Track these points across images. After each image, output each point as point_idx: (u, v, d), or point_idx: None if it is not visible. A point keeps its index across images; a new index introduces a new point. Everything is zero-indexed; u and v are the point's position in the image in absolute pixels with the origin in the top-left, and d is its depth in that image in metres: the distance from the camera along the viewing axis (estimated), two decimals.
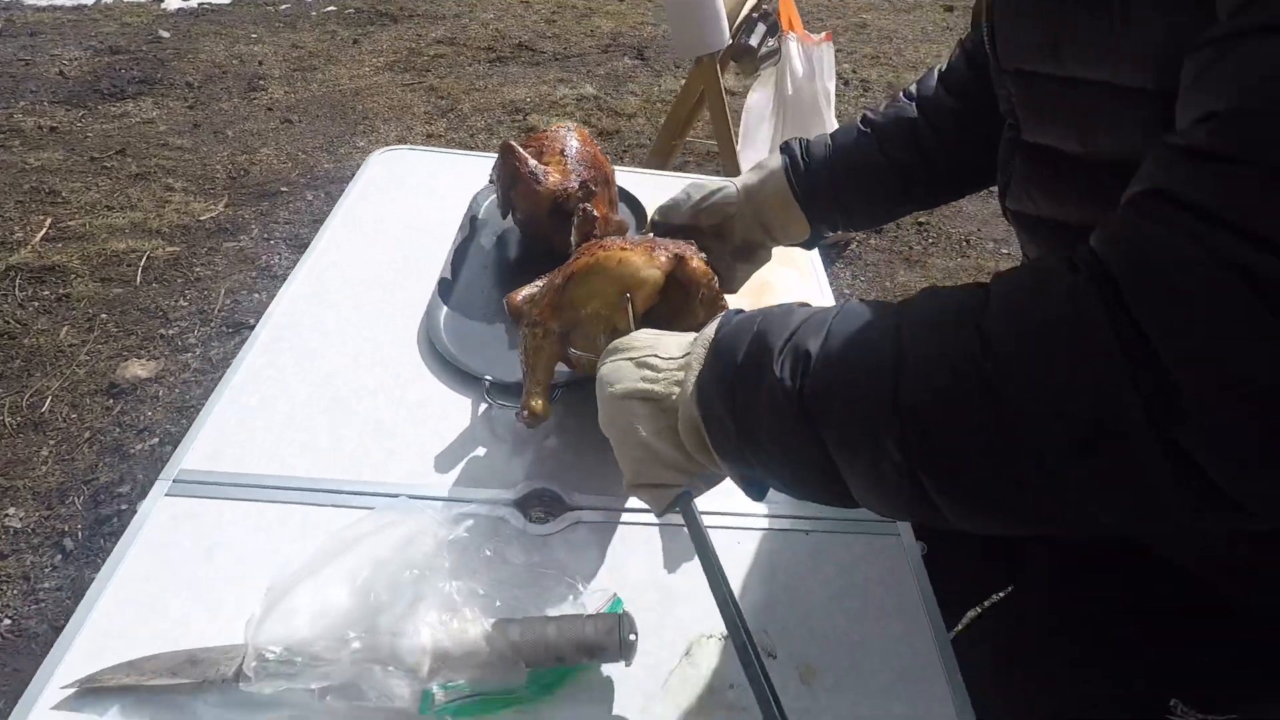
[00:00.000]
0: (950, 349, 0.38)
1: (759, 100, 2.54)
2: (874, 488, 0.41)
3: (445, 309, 0.89)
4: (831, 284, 1.08)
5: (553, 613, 0.58)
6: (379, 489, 0.69)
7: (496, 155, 0.94)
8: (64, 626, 0.58)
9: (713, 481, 0.54)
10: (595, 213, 0.81)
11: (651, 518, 0.69)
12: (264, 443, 0.73)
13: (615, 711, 0.56)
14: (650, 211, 0.85)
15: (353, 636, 0.52)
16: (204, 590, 0.60)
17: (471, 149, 3.45)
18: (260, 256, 2.46)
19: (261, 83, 3.73)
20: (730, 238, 0.82)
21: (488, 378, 0.78)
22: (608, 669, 0.58)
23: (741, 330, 0.48)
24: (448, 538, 0.58)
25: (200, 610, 0.59)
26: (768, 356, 0.44)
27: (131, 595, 0.60)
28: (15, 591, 1.43)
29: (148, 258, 2.38)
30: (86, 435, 1.77)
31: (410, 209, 1.08)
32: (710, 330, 0.50)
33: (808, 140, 0.82)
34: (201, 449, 0.71)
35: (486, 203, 1.08)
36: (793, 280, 1.03)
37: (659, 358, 0.52)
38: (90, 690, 0.53)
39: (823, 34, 2.42)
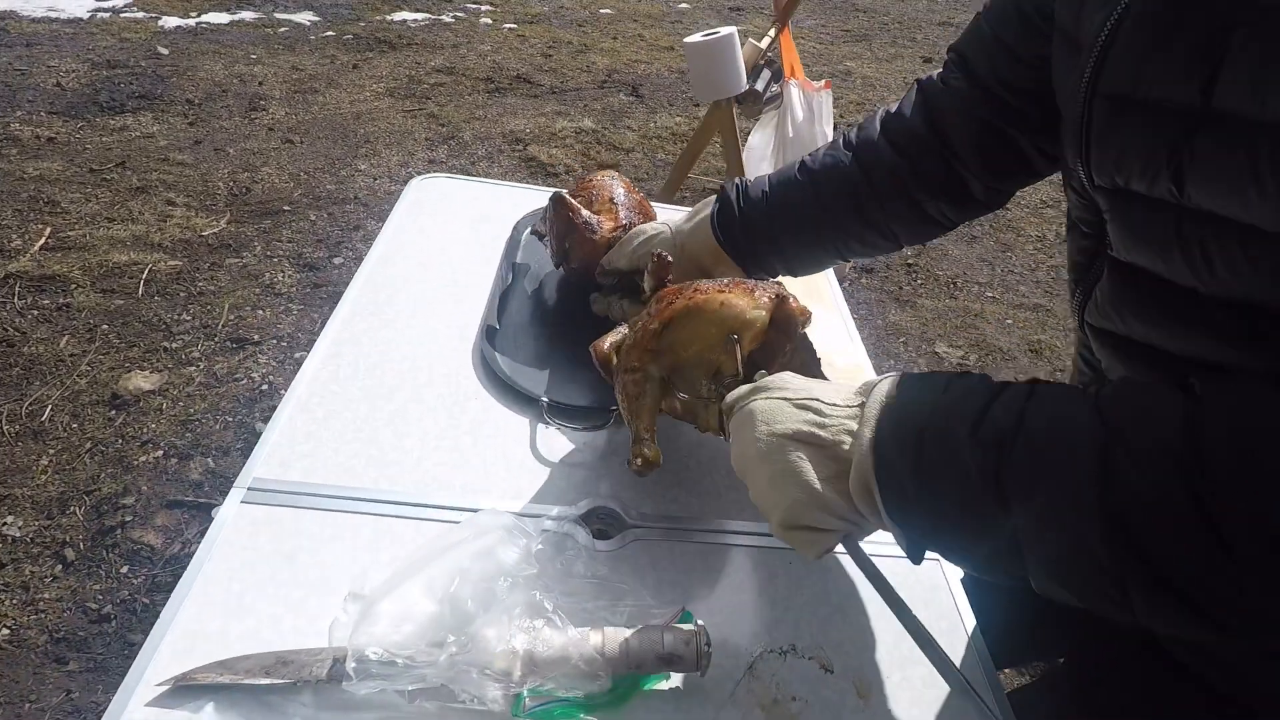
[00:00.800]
0: (1161, 463, 0.39)
1: (760, 141, 2.63)
2: (1065, 577, 0.43)
3: (499, 328, 0.92)
4: None
5: (625, 624, 0.61)
6: (446, 503, 0.72)
7: (547, 204, 0.96)
8: (64, 637, 0.59)
9: (869, 531, 0.54)
10: (669, 258, 0.85)
11: (711, 538, 0.73)
12: (331, 454, 0.75)
13: (691, 716, 0.59)
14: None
15: (450, 640, 0.54)
16: (286, 594, 0.62)
17: (473, 175, 3.51)
18: (264, 274, 2.46)
19: (262, 103, 3.76)
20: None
21: (545, 398, 0.82)
22: (677, 679, 0.61)
23: (925, 394, 0.49)
24: (534, 548, 0.61)
25: (284, 613, 0.61)
26: (961, 427, 0.45)
27: (215, 597, 0.61)
28: (14, 601, 1.40)
29: (150, 270, 2.37)
30: (88, 446, 1.75)
31: (452, 234, 1.12)
32: (885, 386, 0.51)
33: (746, 183, 0.82)
34: (273, 458, 0.73)
35: (524, 243, 1.11)
36: (816, 311, 1.08)
37: (824, 403, 0.53)
38: (184, 687, 0.55)
39: (822, 81, 2.52)
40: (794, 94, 2.47)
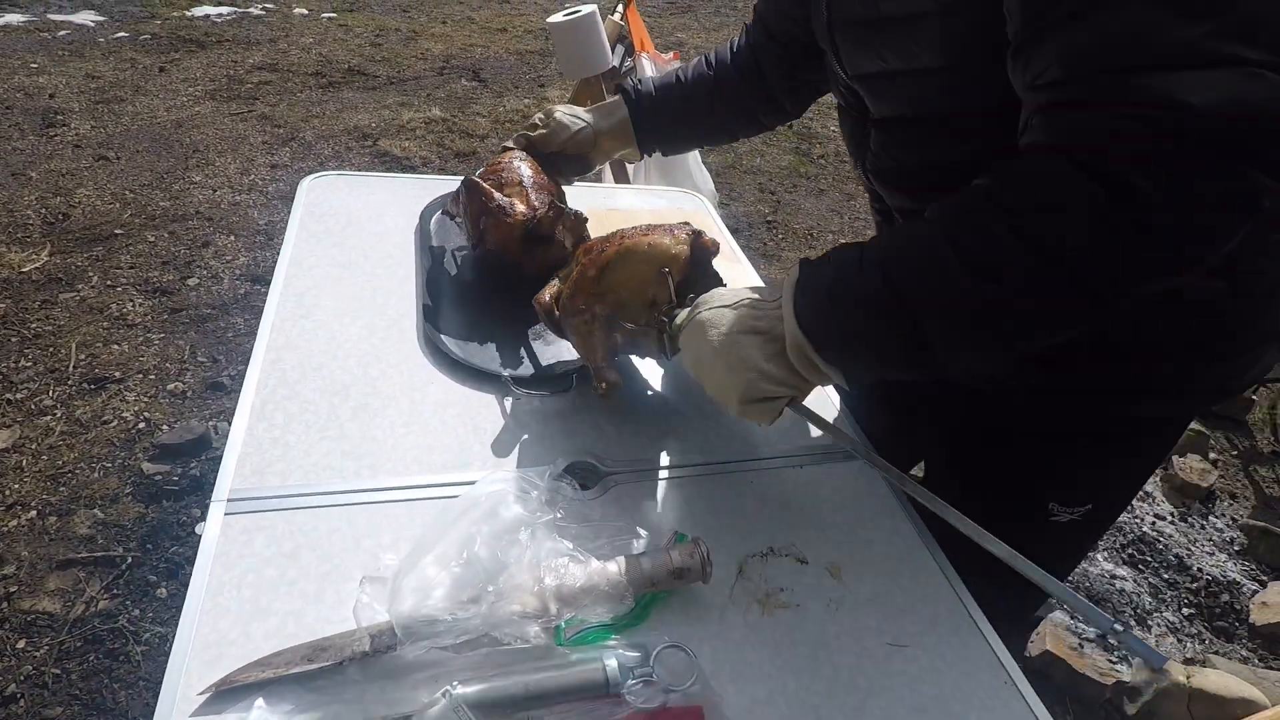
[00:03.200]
0: (979, 214, 0.56)
1: None
2: (958, 342, 0.57)
3: (438, 313, 0.94)
4: None
5: (632, 553, 0.68)
6: (432, 481, 0.75)
7: (459, 188, 0.99)
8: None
9: (809, 390, 0.68)
10: (585, 215, 0.91)
11: (678, 473, 0.80)
12: (303, 456, 0.75)
13: (699, 621, 0.67)
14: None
15: (489, 591, 0.59)
16: (301, 589, 0.63)
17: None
18: (108, 305, 2.25)
19: (59, 117, 3.36)
20: (578, 160, 1.07)
21: (507, 371, 0.86)
22: (682, 593, 0.68)
23: (818, 268, 0.64)
24: (542, 498, 0.66)
25: (303, 607, 0.62)
26: (850, 271, 0.61)
27: (229, 605, 0.61)
28: None
29: None
30: None
31: (358, 229, 1.11)
32: (792, 275, 0.65)
33: (640, 87, 1.05)
34: (244, 469, 0.73)
35: (435, 228, 1.13)
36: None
37: (755, 299, 0.67)
38: (226, 690, 0.55)
39: (670, 53, 2.63)
40: (646, 67, 2.55)
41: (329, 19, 5.30)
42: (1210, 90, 0.46)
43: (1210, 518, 2.11)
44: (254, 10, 5.29)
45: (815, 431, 0.88)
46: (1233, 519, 2.12)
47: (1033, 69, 0.55)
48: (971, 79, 0.68)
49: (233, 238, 2.66)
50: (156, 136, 3.31)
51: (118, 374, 1.99)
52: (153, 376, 2.01)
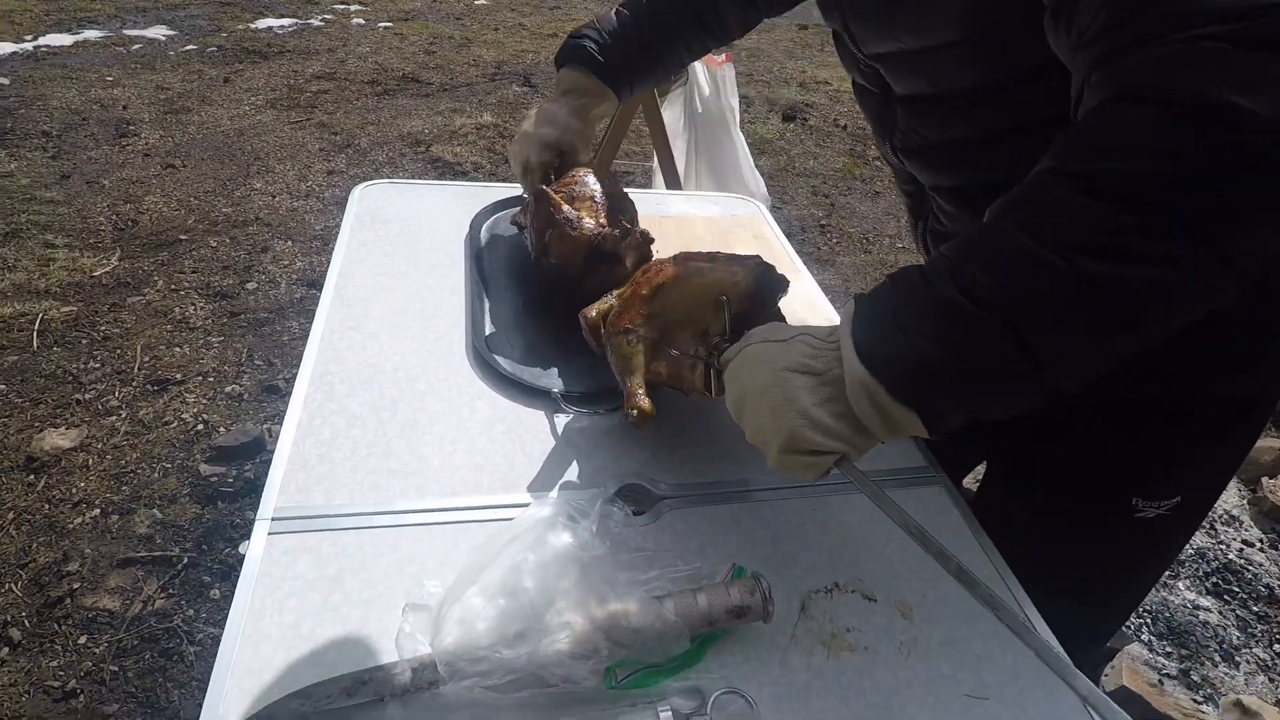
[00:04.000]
0: (1055, 198, 0.47)
1: (670, 118, 2.66)
2: (1062, 341, 0.47)
3: (489, 326, 0.92)
4: None
5: (686, 589, 0.64)
6: (479, 503, 0.72)
7: (530, 198, 0.97)
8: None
9: (865, 450, 0.57)
10: (651, 236, 0.87)
11: (735, 498, 0.76)
12: (349, 473, 0.73)
13: (759, 664, 0.62)
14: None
15: (534, 629, 0.55)
16: (343, 615, 0.61)
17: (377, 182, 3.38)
18: (172, 309, 2.31)
19: (131, 127, 3.49)
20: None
21: (555, 389, 0.83)
22: (741, 632, 0.64)
23: (878, 295, 0.54)
24: (593, 528, 0.62)
25: (345, 635, 0.60)
26: (917, 291, 0.51)
27: (269, 631, 0.60)
28: None
29: (41, 320, 2.18)
30: (10, 516, 1.61)
31: (409, 238, 1.10)
32: (849, 308, 0.56)
33: (599, 30, 0.98)
34: (289, 487, 0.71)
35: (486, 236, 1.10)
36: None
37: (812, 336, 0.58)
38: None
39: (723, 55, 2.58)
40: (699, 70, 2.51)
41: (385, 28, 5.41)
42: None
43: None
44: (314, 22, 5.43)
45: (885, 453, 0.82)
46: None
47: (1078, 23, 0.48)
48: (996, 49, 0.63)
49: (290, 243, 2.72)
50: (220, 145, 3.41)
51: (179, 376, 2.04)
52: (211, 379, 2.06)
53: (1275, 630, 1.73)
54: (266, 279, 2.51)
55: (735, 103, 2.63)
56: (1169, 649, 1.63)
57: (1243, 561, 1.87)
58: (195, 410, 1.94)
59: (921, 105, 0.75)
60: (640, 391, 0.71)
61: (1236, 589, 1.80)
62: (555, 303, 0.96)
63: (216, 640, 1.44)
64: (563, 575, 0.59)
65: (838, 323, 0.58)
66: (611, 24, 0.99)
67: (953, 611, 0.69)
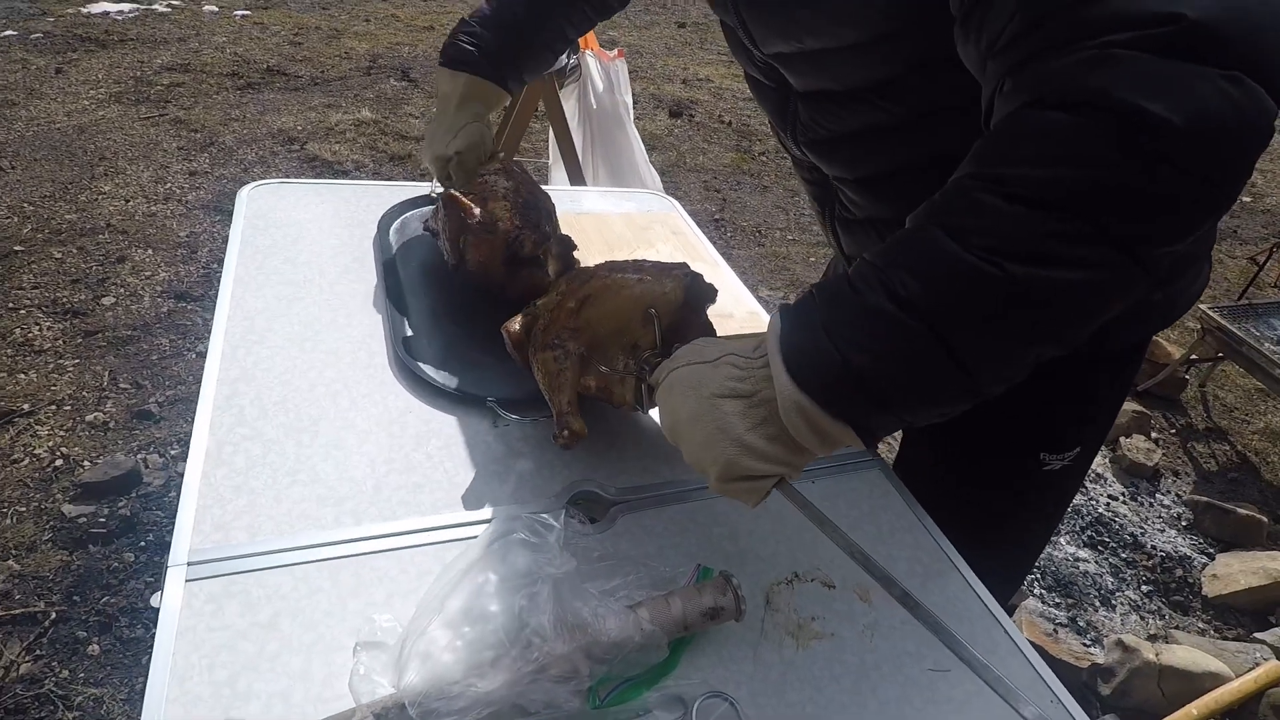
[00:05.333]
0: (969, 198, 0.47)
1: (566, 113, 2.62)
2: (991, 346, 0.47)
3: (411, 335, 0.86)
4: None
5: (653, 594, 0.62)
6: (421, 525, 0.67)
7: (438, 202, 0.91)
8: None
9: (801, 468, 0.57)
10: (573, 242, 0.83)
11: (688, 497, 0.75)
12: (273, 504, 0.66)
13: (733, 662, 0.61)
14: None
15: (507, 656, 0.52)
16: (285, 664, 0.55)
17: (245, 184, 3.12)
18: (11, 330, 2.04)
19: None
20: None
21: (490, 398, 0.78)
22: (711, 632, 0.63)
23: (803, 307, 0.52)
24: (559, 542, 0.59)
25: (290, 685, 0.54)
26: (844, 302, 0.49)
27: (200, 691, 0.53)
28: None
29: None
30: None
31: (309, 242, 1.01)
32: (775, 322, 0.54)
33: (471, 25, 0.93)
34: (204, 525, 0.63)
35: (396, 239, 1.04)
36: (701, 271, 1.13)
37: (738, 356, 0.56)
38: None
39: (615, 51, 2.57)
40: (592, 64, 2.49)
41: (242, 16, 5.02)
42: None
43: (1158, 495, 2.19)
44: (159, 7, 4.95)
45: None
46: (1178, 495, 2.20)
47: (988, 32, 0.49)
48: (899, 47, 0.64)
49: (150, 251, 2.46)
50: (56, 143, 3.04)
51: (26, 406, 1.80)
52: (68, 407, 1.83)
53: (1141, 573, 1.93)
54: (126, 292, 2.26)
55: (629, 98, 2.62)
56: (1058, 600, 1.78)
57: (1110, 514, 2.07)
58: (51, 444, 1.72)
59: (823, 100, 0.75)
60: (569, 411, 0.68)
61: (1107, 539, 1.99)
62: (481, 304, 0.91)
63: (99, 702, 1.29)
64: (532, 595, 0.55)
65: (763, 331, 0.56)
66: (485, 17, 0.94)
67: (906, 588, 0.71)
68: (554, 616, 0.54)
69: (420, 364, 0.82)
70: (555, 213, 0.95)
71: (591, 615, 0.55)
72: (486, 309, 0.89)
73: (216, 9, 5.09)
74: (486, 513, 0.69)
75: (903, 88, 0.68)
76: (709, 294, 0.73)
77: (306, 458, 0.71)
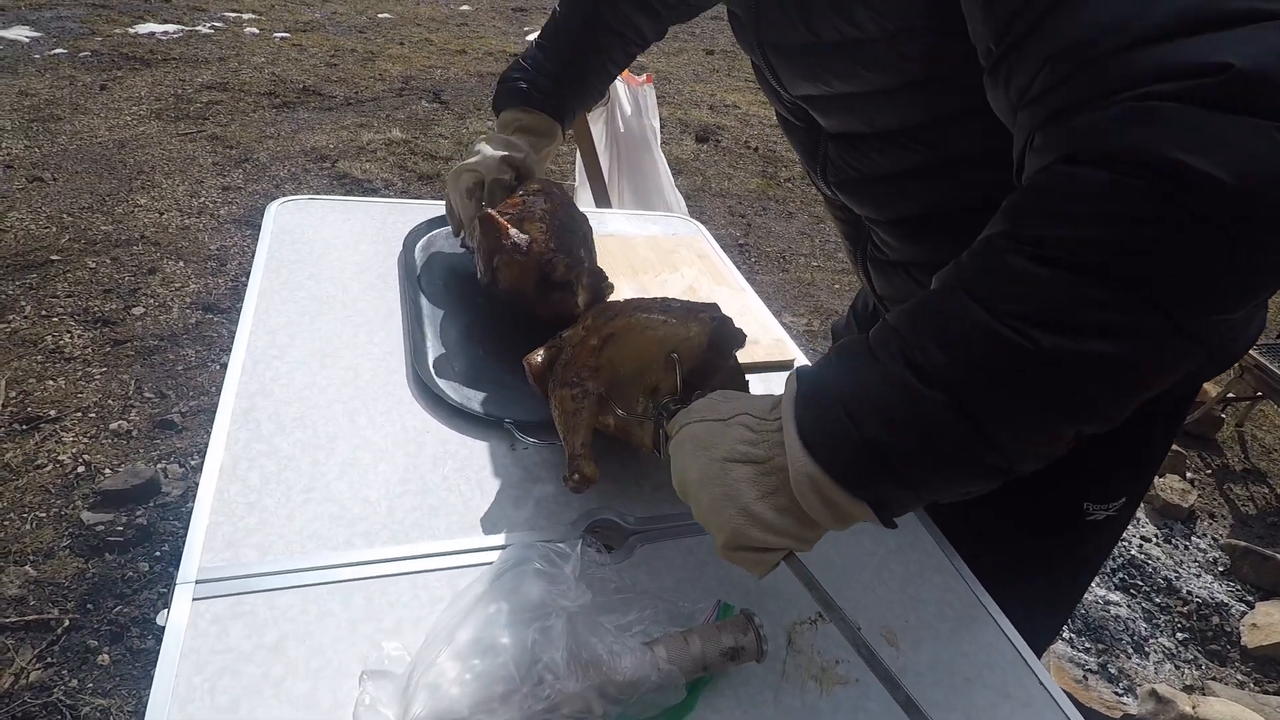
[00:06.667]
0: (998, 267, 0.43)
1: (593, 138, 2.64)
2: (1026, 421, 0.44)
3: (432, 354, 0.85)
4: None
5: (670, 631, 0.59)
6: (435, 550, 0.65)
7: (475, 222, 0.89)
8: None
9: (812, 542, 0.53)
10: (605, 276, 0.81)
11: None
12: (285, 522, 0.65)
13: (754, 706, 0.58)
14: None
15: (520, 691, 0.50)
16: (288, 690, 0.53)
17: (278, 198, 3.18)
18: (43, 337, 2.07)
19: None
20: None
21: (508, 420, 0.77)
22: (731, 673, 0.60)
23: (820, 372, 0.50)
24: (574, 573, 0.57)
25: (293, 713, 0.52)
26: (864, 371, 0.46)
27: (202, 714, 0.51)
28: None
29: None
30: None
31: (335, 259, 1.01)
32: (791, 385, 0.51)
33: (523, 66, 0.98)
34: (215, 542, 0.62)
35: (422, 257, 1.03)
36: (726, 296, 1.12)
37: (752, 417, 0.53)
38: None
39: (644, 76, 2.59)
40: (620, 89, 2.50)
41: (282, 39, 5.15)
42: (1250, 46, 0.37)
43: (1193, 538, 2.11)
44: (202, 29, 5.11)
45: None
46: (1214, 539, 2.13)
47: (1017, 83, 0.46)
48: (931, 93, 0.63)
49: (182, 264, 2.50)
50: (97, 157, 3.12)
51: (53, 413, 1.83)
52: (93, 415, 1.85)
53: (1176, 619, 1.86)
54: (156, 303, 2.30)
55: (656, 123, 2.64)
56: (1088, 644, 1.72)
57: (1143, 557, 2.00)
58: (74, 451, 1.74)
59: (853, 141, 0.74)
60: (582, 454, 0.65)
61: (1140, 583, 1.92)
62: (503, 326, 0.90)
63: (106, 713, 1.28)
64: (545, 628, 0.53)
65: (780, 393, 0.53)
66: (535, 58, 0.99)
67: (935, 634, 0.68)
68: (567, 652, 0.52)
69: (439, 384, 0.81)
70: (592, 236, 0.94)
71: (606, 652, 0.53)
72: (508, 331, 0.88)
73: (257, 31, 5.24)
74: (501, 538, 0.67)
75: (935, 132, 0.66)
76: (737, 339, 0.70)
77: (321, 475, 0.70)
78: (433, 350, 0.87)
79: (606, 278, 0.81)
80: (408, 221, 1.11)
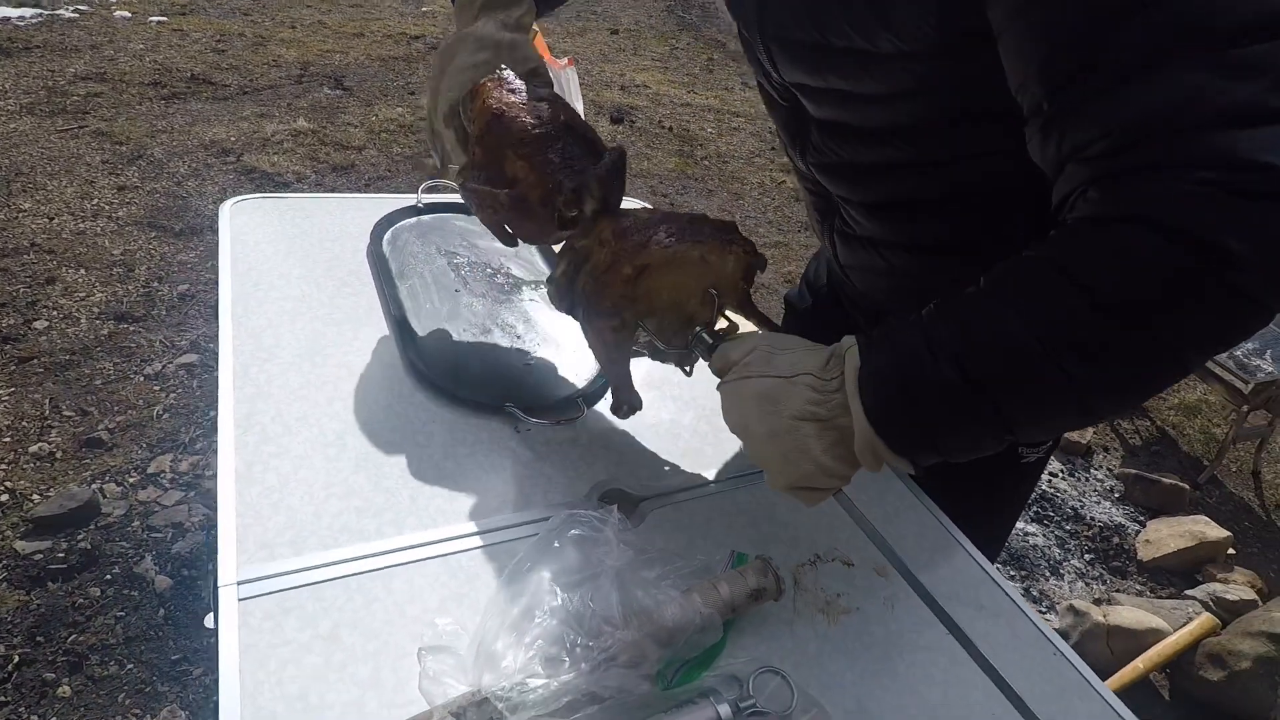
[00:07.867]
0: (1048, 288, 0.52)
1: None
2: (1047, 423, 0.56)
3: (424, 345, 0.87)
4: None
5: (697, 580, 0.65)
6: (462, 531, 0.69)
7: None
8: None
9: (851, 478, 0.63)
10: (623, 151, 0.72)
11: (708, 490, 0.79)
12: (313, 519, 0.66)
13: (774, 640, 0.65)
14: None
15: (584, 645, 0.54)
16: (352, 673, 0.56)
17: (180, 198, 3.00)
18: None
19: None
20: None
21: (509, 404, 0.80)
22: (750, 614, 0.66)
23: (880, 357, 0.58)
24: (617, 537, 0.62)
25: (361, 693, 0.55)
26: (923, 366, 0.55)
27: (273, 708, 0.53)
28: None
29: None
30: None
31: (301, 259, 1.00)
32: (853, 358, 0.59)
33: None
34: (249, 545, 0.63)
35: (391, 248, 1.04)
36: None
37: (814, 377, 0.60)
38: None
39: (565, 59, 2.59)
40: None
41: (159, 23, 4.79)
42: None
43: (1091, 470, 2.35)
44: (64, 13, 4.68)
45: None
46: (1109, 469, 2.38)
47: (1073, 139, 0.52)
48: (930, 101, 0.67)
49: (83, 271, 2.34)
50: None
51: None
52: (8, 439, 1.73)
53: (1083, 543, 2.08)
54: (60, 315, 2.15)
55: (580, 105, 2.65)
56: (1013, 573, 1.90)
57: (1053, 491, 2.21)
58: None
59: (841, 130, 0.77)
60: (627, 382, 0.70)
61: (1052, 514, 2.13)
62: (481, 306, 0.92)
63: None
64: (596, 586, 0.58)
65: (828, 354, 0.61)
66: None
67: (916, 563, 0.76)
68: (621, 605, 0.57)
69: (436, 374, 0.83)
70: (589, 131, 0.76)
71: (652, 602, 0.58)
72: (490, 306, 0.90)
73: (129, 14, 4.85)
74: (526, 514, 0.71)
75: (925, 134, 0.70)
76: (761, 264, 0.73)
77: (338, 471, 0.71)
78: (422, 341, 0.88)
79: (624, 153, 0.74)
80: (365, 216, 1.10)
